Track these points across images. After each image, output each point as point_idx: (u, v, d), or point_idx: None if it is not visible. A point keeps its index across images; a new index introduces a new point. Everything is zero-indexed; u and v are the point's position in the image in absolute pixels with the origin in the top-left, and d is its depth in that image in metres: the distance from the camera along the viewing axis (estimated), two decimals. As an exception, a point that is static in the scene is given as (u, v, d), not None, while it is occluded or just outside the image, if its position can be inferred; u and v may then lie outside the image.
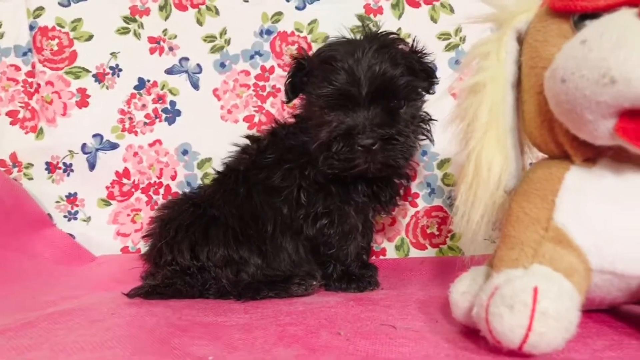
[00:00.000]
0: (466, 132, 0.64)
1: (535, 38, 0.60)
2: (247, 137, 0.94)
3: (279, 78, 1.14)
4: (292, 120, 0.92)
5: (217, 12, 1.14)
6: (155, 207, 1.09)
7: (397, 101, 0.80)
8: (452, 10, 1.12)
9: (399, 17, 1.12)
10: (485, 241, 0.67)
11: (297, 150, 0.86)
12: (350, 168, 0.79)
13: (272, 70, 1.15)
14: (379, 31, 0.85)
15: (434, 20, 1.12)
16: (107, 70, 1.15)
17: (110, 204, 1.16)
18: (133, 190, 1.16)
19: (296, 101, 0.90)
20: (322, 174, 0.83)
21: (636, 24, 0.49)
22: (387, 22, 1.11)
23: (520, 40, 0.64)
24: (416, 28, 1.11)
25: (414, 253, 1.13)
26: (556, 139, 0.60)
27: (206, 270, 0.80)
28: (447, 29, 1.12)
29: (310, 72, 0.83)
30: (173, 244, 0.82)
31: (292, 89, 0.86)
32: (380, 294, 0.82)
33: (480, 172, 0.62)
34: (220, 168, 0.94)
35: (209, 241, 0.81)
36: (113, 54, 1.15)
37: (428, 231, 1.13)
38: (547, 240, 0.56)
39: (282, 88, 1.13)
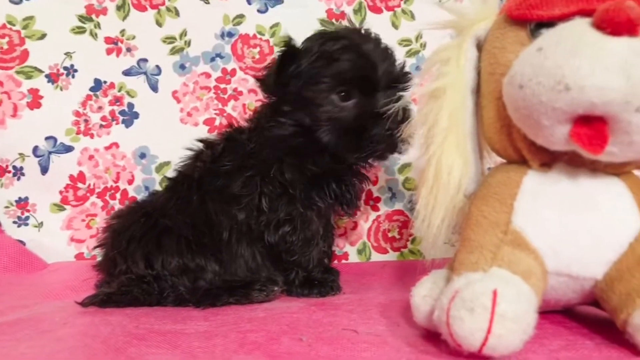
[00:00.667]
0: (427, 137, 0.65)
1: (494, 45, 0.62)
2: (201, 141, 0.91)
3: (241, 81, 1.13)
4: (247, 124, 0.90)
5: (177, 13, 1.12)
6: (112, 212, 1.05)
7: (404, 88, 0.84)
8: (413, 17, 1.13)
9: (361, 22, 1.12)
10: (445, 245, 0.68)
11: (259, 156, 0.84)
12: (371, 153, 0.81)
13: (233, 72, 1.13)
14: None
15: (395, 26, 1.13)
16: (62, 70, 1.11)
17: (64, 209, 1.12)
18: (88, 194, 1.12)
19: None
20: (286, 178, 0.82)
21: (589, 34, 0.51)
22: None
23: (480, 47, 0.65)
24: (378, 33, 1.12)
25: (376, 257, 1.13)
26: (514, 144, 0.61)
27: (162, 279, 0.78)
28: (408, 35, 1.13)
29: (312, 62, 0.80)
30: (126, 255, 0.79)
31: (278, 79, 0.81)
32: (342, 298, 0.82)
33: (441, 177, 0.63)
34: (172, 174, 0.92)
35: (163, 251, 0.79)
36: (68, 54, 1.11)
37: (389, 235, 1.14)
38: (506, 243, 0.57)
39: (244, 91, 1.12)
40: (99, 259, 0.88)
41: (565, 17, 0.54)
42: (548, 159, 0.59)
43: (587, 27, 0.51)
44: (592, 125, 0.51)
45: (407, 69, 0.86)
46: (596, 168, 0.58)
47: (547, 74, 0.51)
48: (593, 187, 0.58)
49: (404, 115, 0.80)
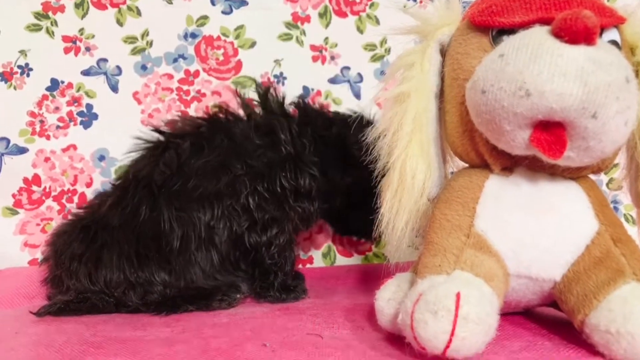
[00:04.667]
0: (391, 140, 0.65)
1: (457, 50, 0.62)
2: (162, 133, 0.87)
3: (204, 82, 1.11)
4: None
5: (139, 13, 1.10)
6: (69, 214, 1.02)
7: None
8: (377, 22, 1.14)
9: (326, 26, 1.13)
10: (409, 248, 0.68)
11: (260, 159, 0.82)
12: None
13: (196, 74, 1.11)
14: None
15: (360, 30, 1.14)
16: (15, 69, 1.06)
17: (17, 213, 1.07)
18: (44, 198, 1.08)
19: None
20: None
21: (548, 41, 0.52)
22: (314, 31, 1.12)
23: (443, 52, 0.66)
24: (343, 38, 1.12)
25: (341, 260, 1.13)
26: (476, 148, 0.62)
27: (109, 295, 0.75)
28: (372, 39, 1.14)
29: None
30: (70, 273, 0.76)
31: None
32: (307, 303, 0.81)
33: (405, 180, 0.63)
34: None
35: (103, 267, 0.75)
36: (22, 52, 1.07)
37: (354, 238, 1.14)
38: (469, 246, 0.57)
39: (208, 92, 1.11)
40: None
41: (525, 25, 0.55)
42: (509, 163, 0.61)
43: (546, 35, 0.52)
44: (552, 131, 0.52)
45: None
46: (555, 172, 0.60)
47: (508, 79, 0.52)
48: (552, 191, 0.60)
49: None
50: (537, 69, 0.50)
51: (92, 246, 0.77)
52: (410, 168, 0.63)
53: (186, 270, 0.79)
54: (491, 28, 0.59)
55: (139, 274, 0.75)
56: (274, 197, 0.82)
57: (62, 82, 1.08)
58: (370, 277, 0.96)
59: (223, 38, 1.11)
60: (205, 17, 1.11)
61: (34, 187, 1.08)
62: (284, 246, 0.84)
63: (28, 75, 1.07)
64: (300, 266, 1.10)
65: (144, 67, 1.10)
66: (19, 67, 1.07)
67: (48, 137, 1.08)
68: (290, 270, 0.85)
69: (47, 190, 1.08)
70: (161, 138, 0.87)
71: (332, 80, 1.13)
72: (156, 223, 0.78)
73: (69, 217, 0.90)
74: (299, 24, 1.12)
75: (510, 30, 0.56)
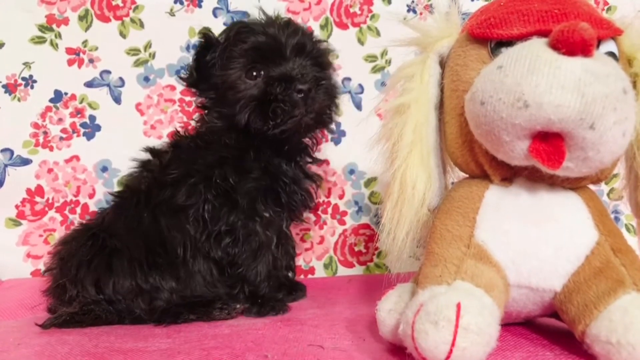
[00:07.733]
0: (391, 151, 0.66)
1: (456, 62, 0.63)
2: (148, 150, 0.88)
3: (206, 94, 1.12)
4: (193, 130, 0.89)
5: (142, 25, 1.11)
6: (72, 227, 1.02)
7: (319, 56, 0.83)
8: (378, 34, 1.15)
9: (327, 37, 1.14)
10: (410, 258, 0.69)
11: (202, 162, 0.81)
12: (288, 120, 0.77)
13: (199, 86, 1.12)
14: None
15: (361, 42, 1.15)
16: (20, 81, 1.08)
17: (20, 224, 1.08)
18: (47, 209, 1.09)
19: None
20: (231, 182, 0.79)
21: (546, 53, 0.52)
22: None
23: (443, 63, 0.67)
24: (344, 49, 1.13)
25: (342, 271, 1.13)
26: (476, 159, 0.62)
27: (116, 302, 0.76)
28: (373, 51, 1.15)
29: (224, 49, 0.81)
30: (76, 281, 0.76)
31: (198, 68, 0.83)
32: (309, 313, 0.81)
33: (405, 190, 0.63)
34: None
35: (113, 274, 0.75)
36: (26, 64, 1.08)
37: (356, 249, 1.14)
38: (469, 256, 0.58)
39: (209, 104, 1.11)
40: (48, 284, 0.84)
41: (523, 37, 0.56)
42: (509, 174, 0.61)
43: (543, 47, 0.52)
44: (550, 142, 0.52)
45: (318, 38, 0.86)
46: (554, 183, 0.60)
47: (507, 90, 0.52)
48: (552, 201, 0.60)
49: (318, 83, 0.79)
50: (535, 81, 0.51)
51: (101, 253, 0.77)
52: (410, 178, 0.63)
53: (190, 278, 0.79)
54: (489, 40, 0.59)
55: (148, 280, 0.76)
56: (226, 201, 0.80)
57: (66, 93, 1.10)
58: (372, 288, 0.96)
59: (225, 50, 1.12)
60: (207, 29, 1.12)
61: (37, 198, 1.08)
62: (248, 256, 0.80)
63: (32, 87, 1.08)
64: (302, 277, 1.10)
65: (146, 79, 1.11)
66: (23, 79, 1.08)
67: (51, 149, 1.09)
68: (260, 281, 0.82)
69: (50, 201, 1.09)
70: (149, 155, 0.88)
71: (333, 91, 1.14)
72: (158, 230, 0.80)
73: (76, 225, 0.91)
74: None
75: (509, 42, 0.57)
